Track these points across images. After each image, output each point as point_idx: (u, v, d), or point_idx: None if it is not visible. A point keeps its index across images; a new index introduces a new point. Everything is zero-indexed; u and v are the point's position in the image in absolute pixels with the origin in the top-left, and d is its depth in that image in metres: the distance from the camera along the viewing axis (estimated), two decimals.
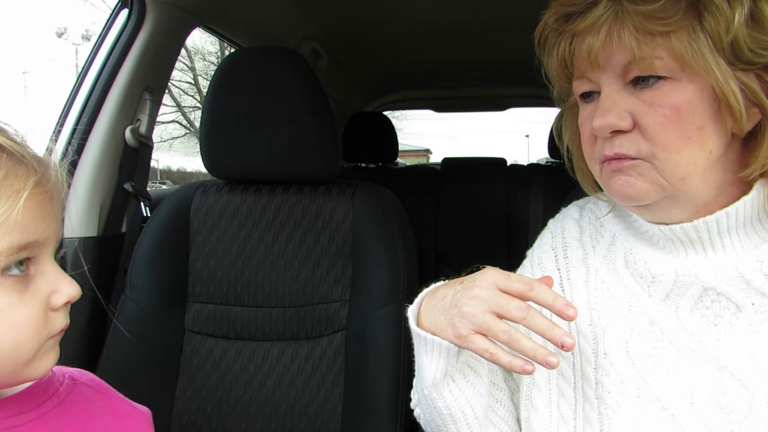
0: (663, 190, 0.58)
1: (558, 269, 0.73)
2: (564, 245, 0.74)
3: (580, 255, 0.72)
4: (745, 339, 0.58)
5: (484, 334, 0.57)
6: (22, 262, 0.49)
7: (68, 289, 0.51)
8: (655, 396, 0.60)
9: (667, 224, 0.61)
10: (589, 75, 0.60)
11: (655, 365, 0.61)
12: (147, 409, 0.64)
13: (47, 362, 0.52)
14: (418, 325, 0.64)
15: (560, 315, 0.55)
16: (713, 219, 0.59)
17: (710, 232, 0.59)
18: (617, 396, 0.62)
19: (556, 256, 0.74)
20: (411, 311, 0.65)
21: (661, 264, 0.62)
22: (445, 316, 0.60)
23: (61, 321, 0.52)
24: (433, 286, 0.66)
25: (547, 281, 0.59)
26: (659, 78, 0.56)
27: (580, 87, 0.63)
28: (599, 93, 0.60)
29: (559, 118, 0.73)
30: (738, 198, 0.59)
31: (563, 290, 0.71)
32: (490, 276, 0.58)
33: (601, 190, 0.67)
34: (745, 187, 0.59)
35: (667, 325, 0.62)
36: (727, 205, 0.59)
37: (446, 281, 0.64)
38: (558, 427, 0.65)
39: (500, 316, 0.56)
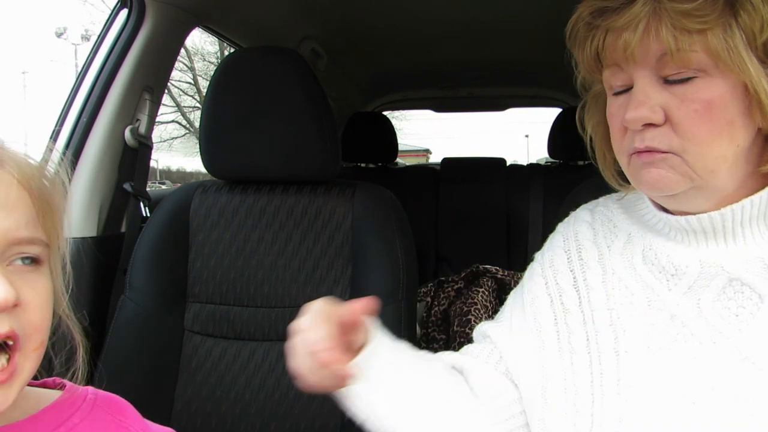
0: (692, 181, 0.59)
1: (571, 271, 0.73)
2: (578, 247, 0.74)
3: (596, 256, 0.72)
4: (766, 329, 0.58)
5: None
6: None
7: None
8: (676, 386, 0.60)
9: (692, 214, 0.62)
10: (623, 66, 0.61)
11: (676, 359, 0.61)
12: (170, 430, 0.62)
13: None
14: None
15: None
16: (739, 207, 0.60)
17: (734, 221, 0.60)
18: (638, 390, 0.62)
19: (569, 259, 0.74)
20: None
21: (684, 256, 0.63)
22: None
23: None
24: None
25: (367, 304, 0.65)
26: (692, 74, 0.57)
27: (612, 77, 0.63)
28: (630, 86, 0.61)
29: (582, 107, 0.74)
30: (758, 189, 0.60)
31: (578, 292, 0.71)
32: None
33: (624, 180, 0.68)
34: (764, 179, 0.61)
35: (688, 317, 0.62)
36: (747, 196, 0.60)
37: None
38: (575, 423, 0.65)
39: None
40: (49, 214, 0.52)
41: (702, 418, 0.58)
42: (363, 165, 2.76)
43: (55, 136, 1.28)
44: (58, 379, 0.59)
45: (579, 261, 0.72)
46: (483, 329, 0.78)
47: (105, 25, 1.34)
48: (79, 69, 1.35)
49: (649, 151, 0.59)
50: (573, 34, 0.65)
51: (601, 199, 0.77)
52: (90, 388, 0.59)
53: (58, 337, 0.56)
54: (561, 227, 0.79)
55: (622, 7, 0.58)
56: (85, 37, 13.93)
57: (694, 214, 0.62)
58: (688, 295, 0.63)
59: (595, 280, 0.70)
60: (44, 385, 0.58)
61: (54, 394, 0.57)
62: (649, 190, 0.63)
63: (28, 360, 0.49)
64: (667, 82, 0.58)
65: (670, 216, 0.64)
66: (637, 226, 0.69)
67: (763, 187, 0.60)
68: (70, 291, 0.57)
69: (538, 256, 0.79)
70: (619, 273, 0.68)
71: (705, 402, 0.58)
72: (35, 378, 0.56)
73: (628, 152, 0.62)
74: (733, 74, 0.56)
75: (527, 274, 0.78)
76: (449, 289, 1.85)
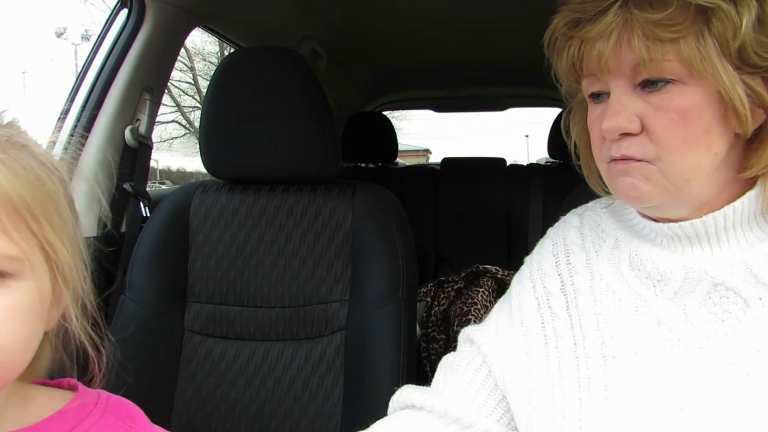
0: (667, 192, 0.59)
1: (559, 274, 0.73)
2: (566, 252, 0.74)
3: (584, 260, 0.72)
4: (752, 334, 0.58)
5: None
6: None
7: None
8: (664, 393, 0.60)
9: (674, 221, 0.62)
10: (599, 75, 0.61)
11: (663, 364, 0.62)
12: None
13: None
14: None
15: None
16: (721, 214, 0.60)
17: (717, 227, 0.60)
18: (626, 395, 0.62)
19: (557, 262, 0.74)
20: None
21: (669, 262, 0.63)
22: None
23: None
24: None
25: None
26: (667, 82, 0.57)
27: (589, 86, 0.64)
28: (608, 94, 0.61)
29: (567, 114, 0.74)
30: (739, 195, 0.60)
31: (566, 296, 0.71)
32: None
33: (607, 186, 0.68)
34: (746, 184, 0.60)
35: (675, 323, 0.62)
36: (729, 202, 0.60)
37: None
38: (562, 427, 0.65)
39: None
40: (29, 222, 0.48)
41: (689, 425, 0.58)
42: (363, 165, 2.76)
43: (55, 137, 1.27)
44: (72, 381, 0.59)
45: (567, 265, 0.73)
46: (467, 333, 0.78)
47: (105, 25, 1.34)
48: (79, 69, 1.35)
49: (625, 159, 0.60)
50: (551, 45, 0.66)
51: (590, 204, 0.77)
52: (102, 392, 0.59)
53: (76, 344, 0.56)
54: (551, 231, 0.79)
55: (594, 17, 0.58)
56: (85, 37, 13.94)
57: (676, 221, 0.62)
58: (674, 300, 0.63)
59: (583, 285, 0.70)
60: (58, 386, 0.58)
61: (66, 397, 0.56)
62: (624, 199, 0.63)
63: None
64: (643, 90, 0.58)
65: (654, 223, 0.65)
66: (624, 232, 0.70)
67: (743, 192, 0.60)
68: (80, 299, 0.55)
69: (527, 260, 0.79)
70: (607, 278, 0.69)
71: (692, 408, 0.58)
72: (50, 377, 0.56)
73: (606, 160, 0.62)
74: (707, 82, 0.56)
75: (516, 278, 0.78)
76: (449, 289, 1.85)
